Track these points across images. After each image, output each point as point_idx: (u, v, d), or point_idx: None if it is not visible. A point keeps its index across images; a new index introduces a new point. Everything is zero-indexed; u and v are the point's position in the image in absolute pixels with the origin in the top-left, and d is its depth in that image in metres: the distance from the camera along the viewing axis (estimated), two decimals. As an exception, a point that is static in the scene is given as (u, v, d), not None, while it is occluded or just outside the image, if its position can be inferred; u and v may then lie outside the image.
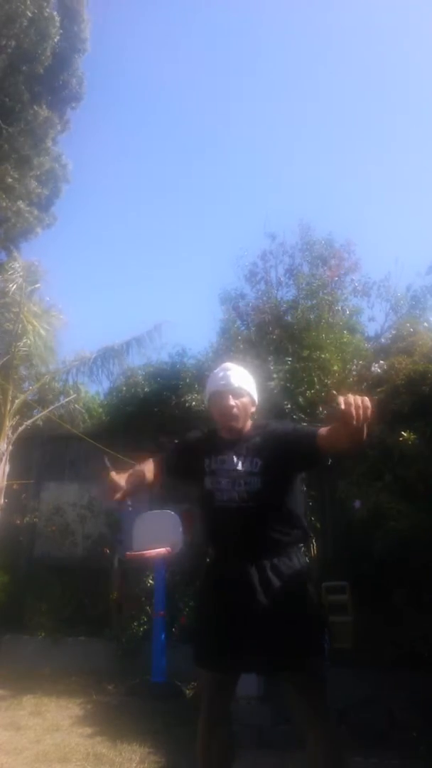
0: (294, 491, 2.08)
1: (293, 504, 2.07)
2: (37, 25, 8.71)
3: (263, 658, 1.92)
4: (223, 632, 1.95)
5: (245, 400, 2.13)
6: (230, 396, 2.10)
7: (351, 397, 1.61)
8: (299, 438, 2.01)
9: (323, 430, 1.91)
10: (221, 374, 2.18)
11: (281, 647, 1.88)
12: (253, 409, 2.18)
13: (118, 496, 2.05)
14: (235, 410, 2.09)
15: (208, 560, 2.20)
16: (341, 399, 1.62)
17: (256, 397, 2.20)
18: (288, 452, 1.97)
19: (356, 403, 1.59)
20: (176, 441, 2.38)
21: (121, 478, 2.08)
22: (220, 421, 2.13)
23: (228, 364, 2.25)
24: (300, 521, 2.09)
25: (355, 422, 1.59)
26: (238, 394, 2.11)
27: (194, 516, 5.42)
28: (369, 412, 1.60)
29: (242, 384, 2.15)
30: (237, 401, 2.10)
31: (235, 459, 2.04)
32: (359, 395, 1.62)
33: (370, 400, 1.62)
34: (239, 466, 2.02)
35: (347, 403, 1.59)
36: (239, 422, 2.11)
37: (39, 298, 6.97)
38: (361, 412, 1.59)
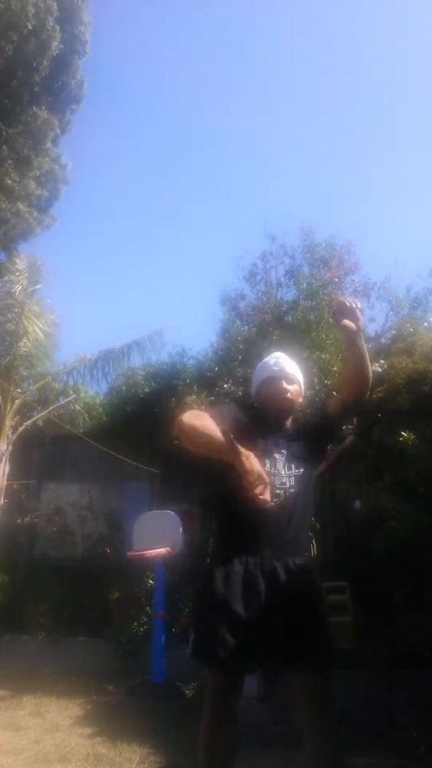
0: (314, 489, 2.11)
1: (313, 504, 2.10)
2: (39, 35, 8.69)
3: (285, 656, 1.89)
4: (238, 631, 1.85)
5: (296, 387, 2.16)
6: (284, 381, 2.12)
7: (346, 298, 1.94)
8: (318, 413, 2.18)
9: (333, 397, 2.12)
10: (273, 361, 2.21)
11: (308, 646, 1.86)
12: (301, 399, 2.21)
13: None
14: (289, 395, 2.11)
15: (219, 554, 2.03)
16: (338, 299, 1.94)
17: (303, 386, 2.23)
18: (317, 431, 2.09)
19: (351, 301, 1.95)
20: (233, 408, 2.15)
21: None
22: (273, 407, 2.12)
23: (279, 353, 2.30)
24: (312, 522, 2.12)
25: (351, 317, 1.91)
26: (291, 380, 2.14)
27: (194, 516, 5.43)
28: (361, 312, 1.94)
29: (295, 372, 2.19)
30: (291, 387, 2.12)
31: (287, 443, 2.04)
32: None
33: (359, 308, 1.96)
34: (290, 449, 2.03)
35: (342, 301, 1.94)
36: (292, 408, 2.14)
37: (39, 298, 6.99)
38: (357, 309, 1.92)
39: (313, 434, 2.10)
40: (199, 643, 1.97)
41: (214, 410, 2.05)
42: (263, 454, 1.94)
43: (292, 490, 1.97)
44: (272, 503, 1.87)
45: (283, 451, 2.01)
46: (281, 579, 1.89)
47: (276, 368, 2.16)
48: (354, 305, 1.95)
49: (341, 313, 1.96)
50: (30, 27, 8.27)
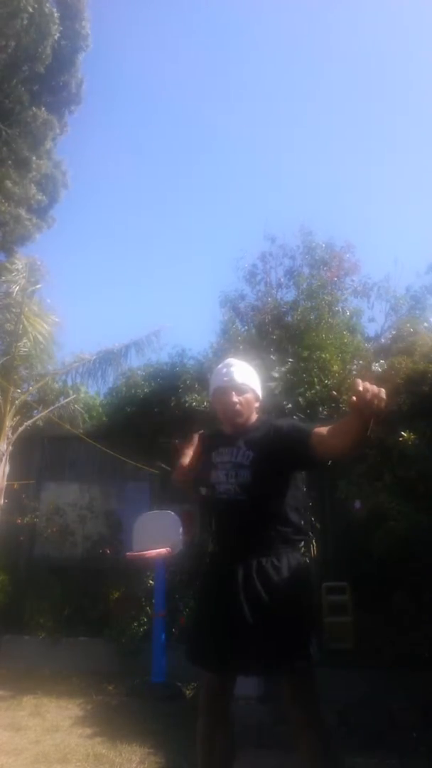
0: (290, 489, 2.06)
1: (290, 502, 2.04)
2: (37, 22, 8.69)
3: (252, 658, 1.90)
4: (216, 631, 1.94)
5: (249, 396, 2.14)
6: (233, 392, 2.11)
7: (368, 384, 1.61)
8: (296, 435, 1.99)
9: (320, 430, 1.91)
10: (224, 370, 2.18)
11: (268, 648, 1.86)
12: (257, 404, 2.19)
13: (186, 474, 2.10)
14: (238, 407, 2.10)
15: (207, 557, 2.21)
16: (359, 384, 1.62)
17: (260, 392, 2.20)
18: (283, 449, 1.98)
19: (372, 390, 1.60)
20: (201, 432, 2.32)
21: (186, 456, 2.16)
22: (223, 418, 2.15)
23: (231, 360, 2.25)
24: (295, 520, 2.06)
25: (367, 410, 1.61)
26: (241, 390, 2.12)
27: (194, 516, 5.43)
28: (382, 403, 1.60)
29: (245, 380, 2.15)
30: (240, 398, 2.11)
31: (231, 451, 2.07)
32: (376, 385, 1.62)
33: (385, 393, 1.62)
34: (233, 458, 2.05)
35: (364, 389, 1.60)
36: (242, 418, 2.12)
37: (39, 298, 6.99)
38: (376, 400, 1.59)
39: (279, 450, 1.99)
40: (189, 644, 2.09)
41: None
42: (212, 466, 2.08)
43: (239, 497, 1.99)
44: (226, 496, 2.01)
45: (233, 458, 2.04)
46: (253, 580, 1.91)
47: (225, 378, 2.15)
48: (376, 395, 1.62)
49: (363, 405, 1.64)
50: (30, 11, 8.25)
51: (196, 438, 2.28)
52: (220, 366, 2.25)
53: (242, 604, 1.88)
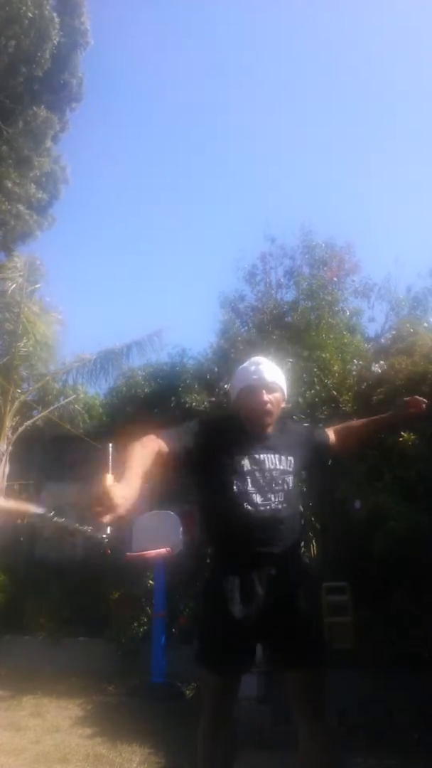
0: (302, 492, 2.11)
1: (301, 505, 2.09)
2: (37, 26, 8.70)
3: (281, 655, 1.91)
4: (242, 634, 1.88)
5: (278, 395, 2.05)
6: (264, 391, 2.01)
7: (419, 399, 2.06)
8: (322, 439, 2.16)
9: (332, 432, 2.11)
10: (253, 368, 2.08)
11: (301, 645, 1.87)
12: (283, 405, 2.12)
13: (108, 518, 1.64)
14: (269, 406, 2.01)
15: (213, 561, 2.09)
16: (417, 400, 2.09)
17: (286, 392, 2.13)
18: (313, 451, 2.08)
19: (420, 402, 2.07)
20: (193, 425, 2.08)
21: (118, 491, 1.66)
22: (252, 417, 2.03)
23: (259, 358, 2.16)
24: (302, 525, 2.11)
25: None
26: (271, 389, 2.03)
27: (194, 516, 5.42)
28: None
29: (275, 379, 2.07)
30: (270, 396, 2.02)
31: (274, 457, 1.97)
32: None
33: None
34: (277, 464, 1.97)
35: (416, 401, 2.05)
36: (272, 418, 2.04)
37: (39, 298, 7.00)
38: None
39: (314, 452, 2.12)
40: (202, 650, 2.00)
41: (169, 431, 2.00)
42: (243, 473, 1.93)
43: (282, 505, 1.93)
44: (269, 505, 1.93)
45: (267, 465, 1.96)
46: (275, 582, 1.90)
47: (255, 376, 2.04)
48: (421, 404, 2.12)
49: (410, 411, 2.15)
50: (30, 15, 8.26)
51: (194, 430, 2.01)
52: (246, 364, 2.15)
53: (270, 605, 1.87)
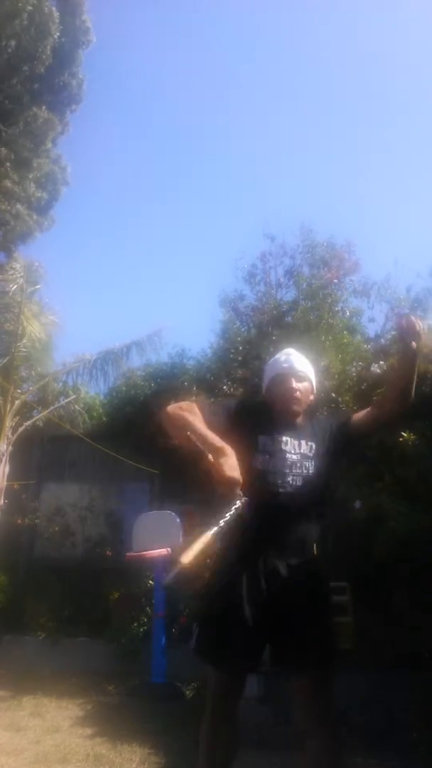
0: (333, 485, 2.10)
1: (327, 497, 2.08)
2: (37, 22, 8.69)
3: (292, 656, 1.89)
4: (250, 631, 1.86)
5: (307, 385, 2.13)
6: (293, 379, 2.09)
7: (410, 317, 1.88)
8: (343, 424, 2.12)
9: (357, 413, 2.11)
10: (284, 358, 2.17)
11: (310, 645, 1.85)
12: (312, 397, 2.17)
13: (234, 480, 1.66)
14: (298, 393, 2.07)
15: (226, 553, 2.00)
16: (403, 319, 1.89)
17: (315, 384, 2.19)
18: (337, 440, 2.05)
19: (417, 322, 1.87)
20: (231, 403, 2.24)
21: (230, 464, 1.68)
22: (282, 404, 2.08)
23: (290, 349, 2.24)
24: (327, 515, 2.09)
25: (413, 337, 1.85)
26: (301, 377, 2.11)
27: (195, 516, 5.42)
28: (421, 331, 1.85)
29: (305, 368, 2.15)
30: (300, 385, 2.09)
31: (296, 441, 2.01)
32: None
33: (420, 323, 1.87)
34: (300, 449, 1.99)
35: (409, 321, 1.87)
36: (300, 406, 2.09)
37: (38, 299, 7.00)
38: (417, 327, 1.85)
39: (338, 441, 2.09)
40: (203, 640, 1.98)
41: (209, 405, 2.09)
42: (264, 452, 1.95)
43: (303, 489, 1.94)
44: (288, 489, 1.90)
45: (288, 447, 1.99)
46: (284, 579, 1.88)
47: (285, 365, 2.13)
48: (420, 326, 1.89)
49: (408, 334, 1.90)
50: (29, 8, 8.24)
51: (231, 408, 2.08)
52: (278, 355, 2.24)
53: (279, 602, 1.85)
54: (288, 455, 1.97)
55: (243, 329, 7.15)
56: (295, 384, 2.08)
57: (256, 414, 2.11)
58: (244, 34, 25.91)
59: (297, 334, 5.98)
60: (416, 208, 24.96)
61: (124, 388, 6.72)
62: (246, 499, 1.69)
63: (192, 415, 1.86)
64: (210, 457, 1.69)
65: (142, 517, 4.97)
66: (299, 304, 7.01)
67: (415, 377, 1.98)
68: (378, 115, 26.70)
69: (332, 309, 7.01)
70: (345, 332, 6.34)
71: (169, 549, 4.55)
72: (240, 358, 5.90)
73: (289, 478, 1.94)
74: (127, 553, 4.83)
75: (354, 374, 5.18)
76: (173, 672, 4.23)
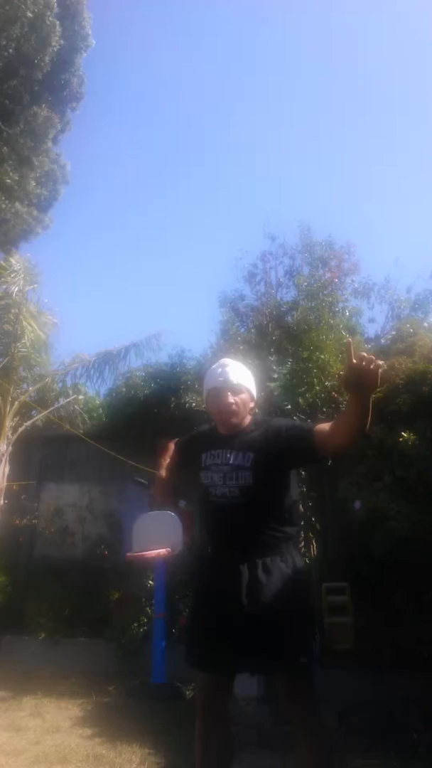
0: (289, 489, 2.08)
1: (287, 502, 2.05)
2: (39, 31, 8.69)
3: (253, 658, 1.90)
4: (215, 632, 1.93)
5: (244, 396, 2.13)
6: (229, 393, 2.10)
7: (364, 354, 1.71)
8: (297, 434, 2.00)
9: (322, 425, 1.96)
10: (219, 371, 2.17)
11: (270, 648, 1.86)
12: (252, 405, 2.18)
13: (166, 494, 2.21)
14: (234, 407, 2.09)
15: (201, 558, 2.18)
16: (353, 354, 1.72)
17: (255, 392, 2.20)
18: (285, 449, 1.98)
19: (368, 358, 1.67)
20: (178, 439, 2.43)
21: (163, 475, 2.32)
22: (219, 418, 2.14)
23: (226, 360, 2.24)
24: (293, 520, 2.08)
25: (365, 378, 1.67)
26: (236, 390, 2.11)
27: (194, 516, 5.42)
28: (377, 370, 1.67)
29: (241, 380, 2.14)
30: (236, 398, 2.10)
31: (227, 454, 2.05)
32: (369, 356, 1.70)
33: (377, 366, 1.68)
34: (231, 461, 2.03)
35: (360, 357, 1.68)
36: (238, 418, 2.11)
37: (37, 298, 7.00)
38: (372, 367, 1.66)
39: (283, 448, 2.00)
40: (187, 644, 2.07)
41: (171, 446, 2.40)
42: (205, 468, 2.08)
43: (239, 499, 1.98)
44: (224, 500, 2.00)
45: (231, 460, 2.02)
46: (246, 580, 1.91)
47: (221, 379, 2.14)
48: (376, 367, 1.68)
49: (364, 375, 1.69)
50: (30, 15, 8.23)
51: (171, 447, 2.36)
52: (214, 366, 2.24)
53: (244, 604, 1.88)
54: (221, 467, 2.03)
55: (243, 329, 7.15)
56: (230, 398, 2.09)
57: (207, 433, 2.26)
58: (244, 34, 25.94)
59: (297, 334, 5.98)
60: (416, 209, 24.97)
61: (123, 389, 6.72)
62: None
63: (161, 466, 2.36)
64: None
65: (142, 517, 4.96)
66: (299, 304, 7.01)
67: (369, 418, 1.80)
68: (378, 115, 26.69)
69: (332, 309, 7.00)
70: (345, 332, 6.33)
71: (169, 549, 4.55)
72: (240, 358, 5.90)
73: (226, 490, 1.99)
74: (127, 554, 4.82)
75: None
76: (173, 672, 4.23)
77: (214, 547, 2.08)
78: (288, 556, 1.99)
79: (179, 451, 2.36)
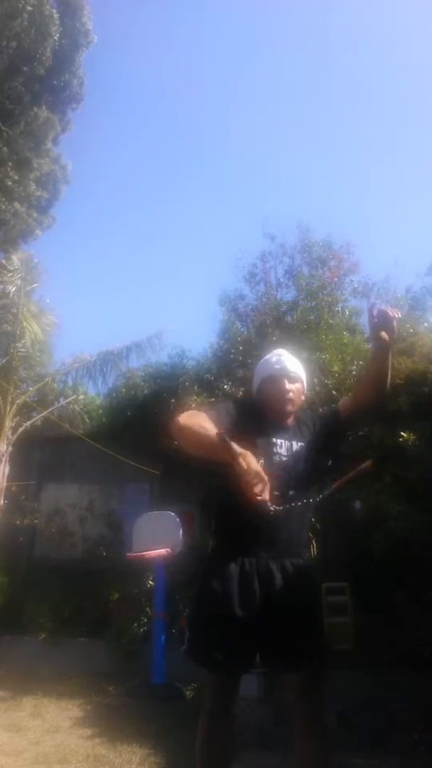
0: (320, 484, 2.06)
1: (320, 500, 2.02)
2: (37, 23, 8.69)
3: (282, 656, 1.89)
4: (240, 633, 1.86)
5: (299, 386, 2.13)
6: (286, 380, 2.08)
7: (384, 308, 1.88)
8: (326, 414, 2.12)
9: (343, 400, 2.07)
10: (275, 359, 2.17)
11: (302, 645, 1.86)
12: (303, 397, 2.18)
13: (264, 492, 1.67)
14: (291, 394, 2.07)
15: (217, 554, 2.05)
16: (374, 309, 1.88)
17: (306, 384, 2.20)
18: (322, 434, 2.04)
19: (392, 312, 1.87)
20: (230, 406, 2.15)
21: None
22: (274, 405, 2.08)
23: (281, 350, 2.25)
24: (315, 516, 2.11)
25: (387, 326, 1.85)
26: (293, 379, 2.11)
27: (194, 516, 5.42)
28: (396, 315, 1.87)
29: (297, 369, 2.15)
30: (293, 386, 2.09)
31: (289, 443, 2.01)
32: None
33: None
34: (290, 449, 2.00)
35: (384, 311, 1.86)
36: (294, 407, 2.09)
37: (38, 299, 7.00)
38: (392, 313, 1.85)
39: (321, 435, 2.07)
40: (193, 642, 1.98)
41: (211, 410, 2.03)
42: (261, 453, 1.89)
43: (299, 473, 1.95)
44: (272, 504, 1.76)
45: (283, 450, 1.98)
46: (277, 580, 1.88)
47: (278, 366, 2.13)
48: (394, 316, 1.89)
49: (382, 324, 1.89)
50: (30, 9, 8.23)
51: (230, 410, 2.05)
52: (269, 356, 2.23)
53: (271, 602, 1.86)
54: (282, 458, 1.98)
55: (243, 329, 7.15)
56: (288, 385, 2.08)
57: (251, 416, 2.07)
58: (244, 33, 25.94)
59: (297, 334, 5.98)
60: (415, 208, 24.98)
61: (123, 389, 6.72)
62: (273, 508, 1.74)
63: (205, 423, 1.82)
64: (234, 458, 1.66)
65: (142, 517, 4.97)
66: (299, 304, 7.01)
67: (389, 370, 1.96)
68: (378, 115, 26.70)
69: (332, 309, 7.01)
70: (345, 332, 6.33)
71: (169, 549, 4.55)
72: (240, 358, 5.89)
73: (287, 481, 1.93)
74: (128, 554, 4.82)
75: (354, 374, 5.17)
76: (173, 672, 4.23)
77: (244, 543, 1.94)
78: (305, 555, 2.01)
79: (233, 420, 1.98)
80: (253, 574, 1.89)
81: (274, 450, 1.97)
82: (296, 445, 2.01)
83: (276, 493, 1.82)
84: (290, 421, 2.10)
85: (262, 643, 1.89)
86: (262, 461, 1.78)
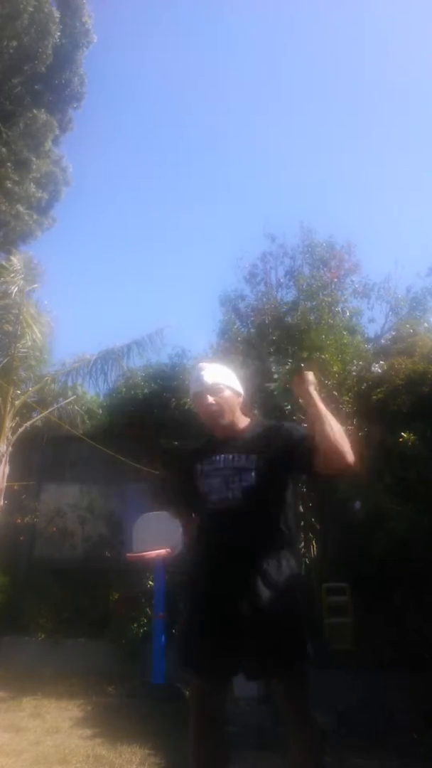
0: (289, 491, 2.05)
1: (288, 505, 2.03)
2: (37, 22, 8.71)
3: (250, 663, 1.88)
4: (215, 637, 1.90)
5: (225, 394, 2.09)
6: (207, 395, 2.07)
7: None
8: (303, 447, 1.90)
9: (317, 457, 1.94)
10: (195, 375, 2.16)
11: (268, 653, 1.85)
12: (239, 400, 2.13)
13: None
14: (214, 407, 2.06)
15: (196, 564, 2.13)
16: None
17: (239, 388, 2.15)
18: (289, 455, 1.92)
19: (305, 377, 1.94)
20: (161, 474, 2.40)
21: None
22: (207, 423, 2.10)
23: (201, 364, 2.23)
24: (292, 523, 2.06)
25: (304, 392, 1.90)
26: (215, 390, 2.08)
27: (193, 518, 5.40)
28: (311, 383, 1.93)
29: (217, 379, 2.10)
30: (215, 398, 2.07)
31: (227, 457, 2.01)
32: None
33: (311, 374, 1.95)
34: (233, 463, 1.99)
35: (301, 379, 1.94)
36: (224, 417, 2.07)
37: (38, 299, 6.99)
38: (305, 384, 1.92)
39: (279, 451, 1.96)
40: (179, 650, 2.05)
41: (157, 500, 2.30)
42: (203, 476, 2.03)
43: (241, 502, 1.93)
44: (225, 504, 1.94)
45: (232, 462, 1.99)
46: (251, 584, 1.88)
47: (197, 383, 2.12)
48: (310, 378, 1.95)
49: (300, 389, 1.97)
50: (30, 9, 8.24)
51: (165, 478, 2.33)
52: (192, 371, 2.23)
53: (246, 609, 1.86)
54: (222, 471, 1.99)
55: (243, 329, 7.15)
56: (209, 399, 2.06)
57: (202, 445, 2.20)
58: (245, 32, 25.96)
59: (297, 334, 5.98)
60: (416, 208, 24.99)
61: (124, 389, 6.71)
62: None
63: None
64: None
65: (142, 517, 4.96)
66: (299, 304, 7.01)
67: (328, 420, 1.80)
68: (378, 115, 26.72)
69: (332, 309, 7.01)
70: (345, 332, 6.33)
71: (169, 549, 4.55)
72: (240, 359, 5.90)
73: (228, 493, 1.95)
74: (128, 554, 4.82)
75: (354, 374, 5.18)
76: (173, 673, 4.22)
77: (214, 553, 2.01)
78: (286, 559, 1.96)
79: (171, 476, 2.30)
80: (227, 581, 1.91)
81: (213, 467, 2.03)
82: (243, 457, 1.99)
83: (216, 499, 1.96)
84: (241, 429, 2.10)
85: (238, 648, 1.88)
86: (202, 483, 2.04)
